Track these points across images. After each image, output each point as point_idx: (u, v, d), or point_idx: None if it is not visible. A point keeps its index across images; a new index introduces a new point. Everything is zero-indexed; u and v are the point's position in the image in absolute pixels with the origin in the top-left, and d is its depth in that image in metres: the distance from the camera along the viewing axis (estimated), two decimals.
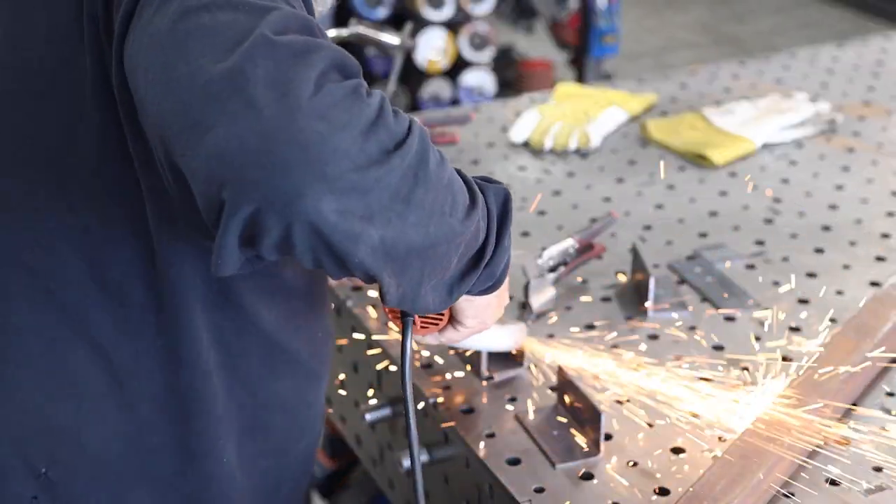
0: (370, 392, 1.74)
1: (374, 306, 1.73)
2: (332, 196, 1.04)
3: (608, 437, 1.48)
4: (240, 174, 1.03)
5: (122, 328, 1.28)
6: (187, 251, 1.26)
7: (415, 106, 4.31)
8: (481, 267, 1.22)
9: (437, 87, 4.32)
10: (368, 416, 1.65)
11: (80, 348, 1.29)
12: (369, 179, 1.05)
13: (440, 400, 1.55)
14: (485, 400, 1.56)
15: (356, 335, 1.75)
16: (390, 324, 1.62)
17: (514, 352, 1.60)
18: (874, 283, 1.83)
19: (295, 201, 1.03)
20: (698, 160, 2.25)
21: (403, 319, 1.26)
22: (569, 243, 1.78)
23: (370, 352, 1.71)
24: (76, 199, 1.25)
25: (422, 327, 1.37)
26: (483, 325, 1.38)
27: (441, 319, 1.37)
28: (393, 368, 1.67)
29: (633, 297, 1.79)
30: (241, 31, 1.06)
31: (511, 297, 1.75)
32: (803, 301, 1.79)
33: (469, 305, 1.34)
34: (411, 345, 1.27)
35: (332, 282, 1.71)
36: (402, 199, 1.08)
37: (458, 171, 1.19)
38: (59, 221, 1.26)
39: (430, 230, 1.11)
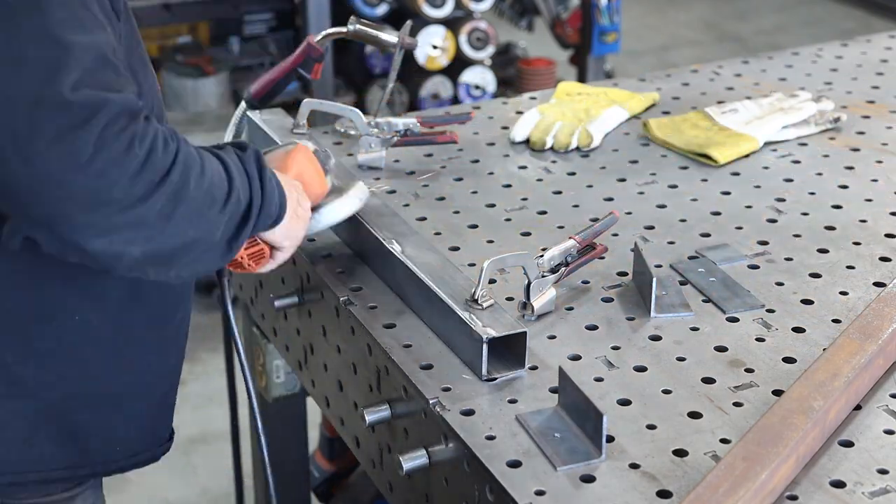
0: (369, 393, 1.73)
1: None
2: (98, 237, 1.32)
3: (610, 438, 1.47)
4: (18, 209, 1.32)
5: None
6: None
7: (415, 104, 4.30)
8: (252, 219, 1.48)
9: (436, 86, 4.31)
10: (368, 418, 1.64)
11: None
12: (133, 216, 1.32)
13: (440, 401, 1.54)
14: (485, 401, 1.55)
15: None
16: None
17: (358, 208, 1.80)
18: (878, 284, 1.81)
19: (69, 241, 1.32)
20: (701, 159, 2.24)
21: (217, 275, 1.57)
22: (570, 243, 1.77)
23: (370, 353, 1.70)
24: None
25: (252, 264, 1.61)
26: (297, 239, 1.63)
27: (261, 253, 1.61)
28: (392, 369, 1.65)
29: (635, 298, 1.78)
30: (45, 77, 1.27)
31: (511, 298, 1.75)
32: (807, 301, 1.77)
33: (273, 237, 1.59)
34: (229, 294, 1.66)
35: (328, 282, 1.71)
36: (165, 218, 1.35)
37: (216, 154, 1.46)
38: None
39: (191, 232, 1.39)
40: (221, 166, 1.45)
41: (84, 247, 1.32)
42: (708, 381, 1.59)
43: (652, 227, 2.00)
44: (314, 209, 1.72)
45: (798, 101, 2.40)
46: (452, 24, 4.28)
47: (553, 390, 1.55)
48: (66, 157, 1.26)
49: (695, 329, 1.71)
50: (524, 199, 2.09)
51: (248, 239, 1.52)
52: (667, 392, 1.57)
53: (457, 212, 2.05)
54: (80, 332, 1.54)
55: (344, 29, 2.20)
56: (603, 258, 1.85)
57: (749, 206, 2.07)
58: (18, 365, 1.51)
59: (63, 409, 1.56)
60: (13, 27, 1.28)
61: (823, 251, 1.92)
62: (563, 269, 1.76)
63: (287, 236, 1.61)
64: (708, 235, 1.98)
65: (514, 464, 1.44)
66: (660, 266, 1.86)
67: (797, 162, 2.24)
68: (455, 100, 4.32)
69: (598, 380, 1.59)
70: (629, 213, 2.03)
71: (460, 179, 2.17)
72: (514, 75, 4.57)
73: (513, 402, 1.55)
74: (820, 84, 2.60)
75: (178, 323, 1.68)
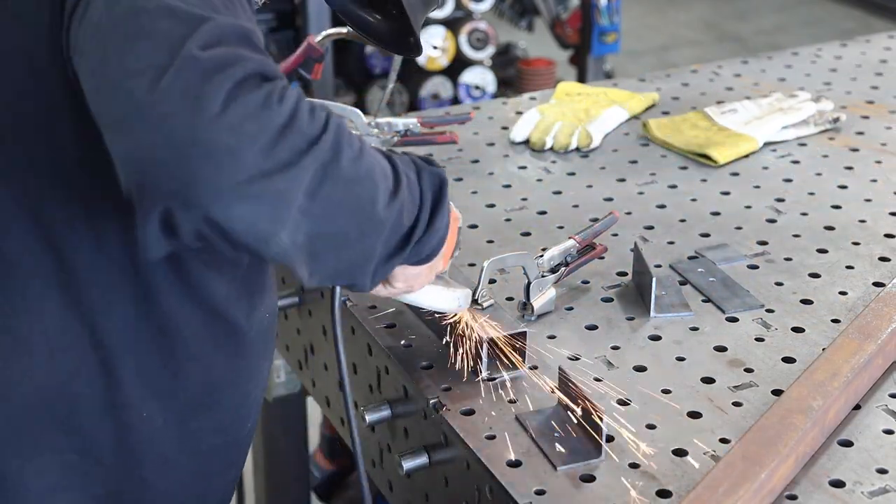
0: (369, 393, 1.73)
1: None
2: (239, 204, 1.14)
3: (609, 438, 1.47)
4: (153, 180, 1.15)
5: (58, 281, 1.33)
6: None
7: (414, 105, 4.30)
8: (409, 248, 1.32)
9: (436, 86, 4.31)
10: (368, 418, 1.64)
11: (17, 297, 1.33)
12: (279, 184, 1.15)
13: (440, 401, 1.54)
14: (485, 401, 1.55)
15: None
16: None
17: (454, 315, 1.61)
18: (878, 284, 1.82)
19: (204, 208, 1.14)
20: (700, 159, 2.24)
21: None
22: (570, 243, 1.77)
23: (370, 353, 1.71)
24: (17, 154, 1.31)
25: None
26: (410, 288, 1.46)
27: None
28: (392, 369, 1.65)
29: (634, 298, 1.78)
30: (173, 42, 1.15)
31: (511, 298, 1.75)
32: (806, 301, 1.78)
33: (400, 272, 1.41)
34: (340, 306, 1.43)
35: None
36: (312, 197, 1.18)
37: (389, 156, 1.31)
38: None
39: (342, 222, 1.22)
40: (390, 162, 1.30)
41: (228, 216, 1.14)
42: (708, 381, 1.59)
43: (652, 227, 2.00)
44: None
45: (797, 102, 2.40)
46: (452, 24, 4.28)
47: (553, 390, 1.55)
48: (195, 112, 1.12)
49: (694, 329, 1.71)
50: (524, 199, 2.09)
51: None
52: (667, 392, 1.57)
53: None
54: (143, 431, 1.40)
55: (344, 29, 2.20)
56: (603, 258, 1.85)
57: (749, 206, 2.07)
58: (75, 456, 1.38)
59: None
60: (145, 5, 1.18)
61: (823, 251, 1.92)
62: (563, 269, 1.76)
63: (407, 281, 1.44)
64: (708, 235, 1.98)
65: (514, 464, 1.44)
66: (659, 266, 1.86)
67: (797, 162, 2.24)
68: (455, 100, 4.32)
69: (598, 380, 1.59)
70: (629, 213, 2.03)
71: (460, 179, 2.17)
72: (514, 75, 4.56)
73: (513, 402, 1.55)
74: (819, 84, 2.60)
75: (247, 434, 1.52)
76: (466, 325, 1.59)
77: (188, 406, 1.42)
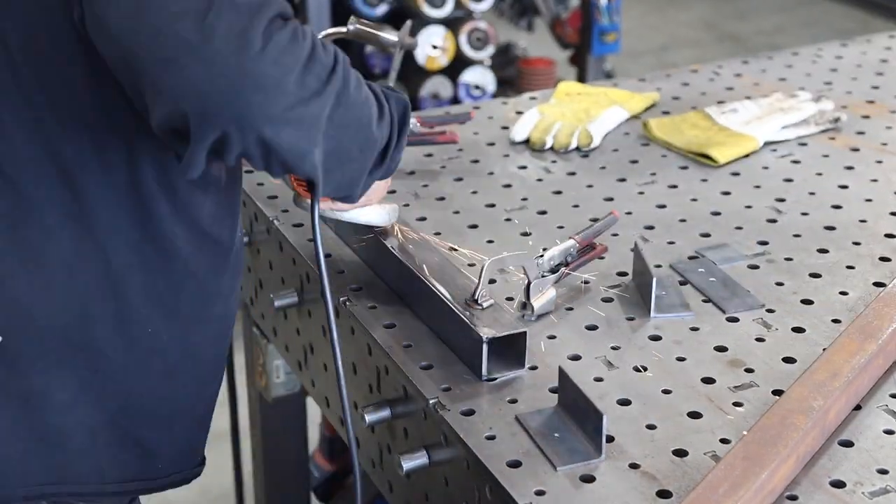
0: (369, 393, 1.73)
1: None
2: (285, 126, 1.31)
3: (610, 439, 1.47)
4: (214, 109, 1.29)
5: (71, 211, 1.44)
6: (136, 143, 1.44)
7: (415, 104, 4.30)
8: (385, 162, 1.51)
9: (436, 86, 4.31)
10: (368, 418, 1.64)
11: (34, 229, 1.44)
12: (313, 109, 1.33)
13: (440, 401, 1.54)
14: (485, 401, 1.55)
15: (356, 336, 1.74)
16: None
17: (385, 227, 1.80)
18: (878, 284, 1.81)
19: (258, 130, 1.30)
20: (701, 159, 2.24)
21: (312, 190, 1.47)
22: (570, 243, 1.77)
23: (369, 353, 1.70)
24: (33, 93, 1.41)
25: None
26: (368, 200, 1.66)
27: None
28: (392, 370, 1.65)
29: (635, 298, 1.78)
30: None
31: (511, 298, 1.75)
32: (807, 301, 1.77)
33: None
34: (318, 212, 1.51)
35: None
36: (330, 119, 1.36)
37: (369, 84, 1.47)
38: (14, 112, 1.41)
39: (348, 141, 1.41)
40: (374, 95, 1.47)
41: (277, 138, 1.31)
42: (708, 381, 1.59)
43: (652, 227, 2.00)
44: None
45: (798, 101, 2.40)
46: (452, 24, 4.28)
47: (553, 390, 1.55)
48: (243, 49, 1.27)
49: (695, 329, 1.71)
50: (524, 199, 2.09)
51: None
52: (667, 392, 1.57)
53: (457, 212, 2.05)
54: (150, 345, 1.53)
55: (344, 29, 2.19)
56: (603, 258, 1.85)
57: (749, 206, 2.07)
58: (88, 372, 1.50)
59: (123, 422, 1.55)
60: None
61: (823, 251, 1.92)
62: (563, 269, 1.76)
63: (368, 194, 1.58)
64: (708, 235, 1.97)
65: (514, 464, 1.44)
66: (660, 266, 1.86)
67: (797, 162, 2.24)
68: (455, 100, 4.32)
69: (598, 380, 1.59)
70: (629, 213, 2.03)
71: (460, 179, 2.17)
72: (514, 75, 4.56)
73: (513, 402, 1.55)
74: (820, 84, 2.60)
75: (228, 344, 1.67)
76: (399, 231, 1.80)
77: (188, 320, 1.55)
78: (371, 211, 1.73)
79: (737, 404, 1.54)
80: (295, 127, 1.32)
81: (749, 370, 1.61)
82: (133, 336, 1.51)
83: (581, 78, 4.40)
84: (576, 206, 2.08)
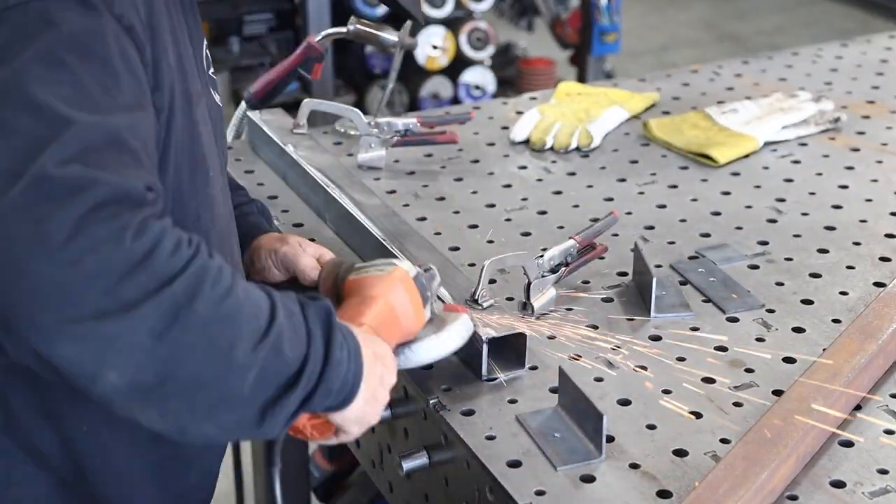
0: None
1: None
2: (62, 343, 1.08)
3: (610, 438, 1.47)
4: None
5: None
6: None
7: (414, 105, 4.30)
8: (299, 388, 1.20)
9: (436, 86, 4.31)
10: None
11: None
12: (115, 326, 1.09)
13: (440, 401, 1.54)
14: (485, 401, 1.55)
15: None
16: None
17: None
18: (878, 284, 1.81)
19: (31, 336, 1.09)
20: (701, 159, 2.24)
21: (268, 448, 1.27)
22: (570, 243, 1.77)
23: None
24: None
25: (315, 434, 1.35)
26: (368, 423, 1.34)
27: (326, 426, 1.34)
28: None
29: (635, 298, 1.78)
30: (29, 148, 1.09)
31: (511, 298, 1.75)
32: (807, 302, 1.77)
33: (341, 419, 1.31)
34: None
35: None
36: (159, 338, 1.10)
37: (270, 294, 1.21)
38: None
39: (192, 366, 1.13)
40: (268, 302, 1.20)
41: (49, 352, 1.10)
42: (708, 381, 1.59)
43: (652, 227, 2.00)
44: (405, 344, 1.46)
45: (798, 101, 2.40)
46: (452, 24, 4.28)
47: (553, 390, 1.55)
48: (36, 237, 1.07)
49: (695, 329, 1.71)
50: (524, 199, 2.09)
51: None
52: (667, 392, 1.57)
53: (457, 212, 2.05)
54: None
55: (344, 29, 2.20)
56: (603, 258, 1.85)
57: (749, 206, 2.07)
58: (38, 431, 1.35)
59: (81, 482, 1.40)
60: (9, 93, 1.12)
61: (823, 251, 1.92)
62: (563, 269, 1.75)
63: (358, 421, 1.32)
64: (708, 235, 1.97)
65: (514, 464, 1.44)
66: (660, 266, 1.86)
67: (797, 162, 2.24)
68: (455, 100, 4.32)
69: (598, 380, 1.59)
70: (629, 213, 2.03)
71: (460, 179, 2.17)
72: (514, 75, 4.57)
73: (513, 402, 1.55)
74: (820, 84, 2.59)
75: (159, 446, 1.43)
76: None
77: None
78: (434, 346, 1.48)
79: (737, 404, 1.54)
80: (77, 343, 1.09)
81: (749, 370, 1.61)
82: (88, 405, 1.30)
83: (581, 78, 4.40)
84: (576, 206, 2.07)
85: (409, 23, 2.20)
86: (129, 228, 1.09)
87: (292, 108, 2.26)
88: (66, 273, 1.07)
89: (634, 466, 1.43)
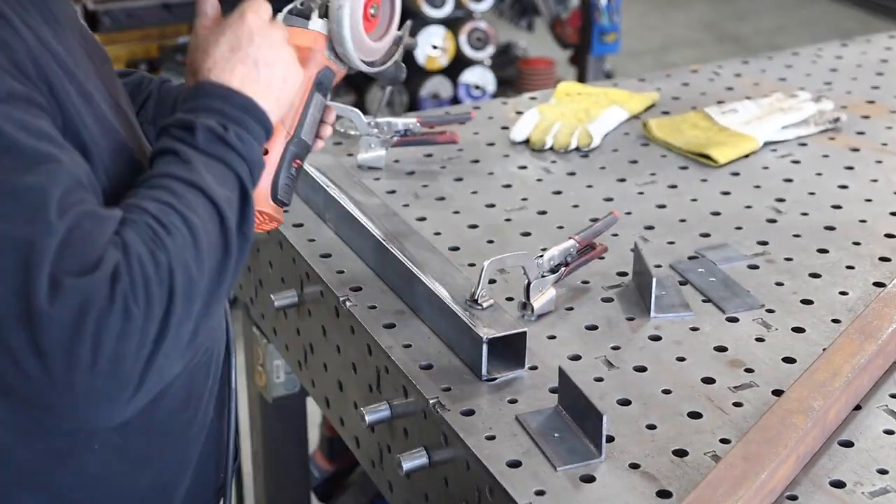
0: (369, 393, 1.73)
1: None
2: (136, 392, 1.19)
3: (610, 439, 1.47)
4: (60, 414, 1.19)
5: None
6: None
7: (414, 105, 4.30)
8: (250, 189, 1.33)
9: (436, 86, 4.31)
10: (368, 418, 1.64)
11: None
12: (158, 350, 1.19)
13: (440, 401, 1.54)
14: (485, 401, 1.55)
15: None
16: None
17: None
18: (878, 284, 1.81)
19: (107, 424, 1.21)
20: (701, 159, 2.24)
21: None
22: (570, 243, 1.77)
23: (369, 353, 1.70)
24: None
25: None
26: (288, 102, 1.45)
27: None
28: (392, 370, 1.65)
29: (635, 298, 1.78)
30: (19, 280, 1.13)
31: (511, 298, 1.75)
32: (807, 302, 1.77)
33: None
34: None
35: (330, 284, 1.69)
36: (187, 317, 1.21)
37: (213, 198, 1.26)
38: None
39: (211, 283, 1.25)
40: (212, 209, 1.27)
41: (128, 414, 1.20)
42: (708, 381, 1.59)
43: (652, 227, 2.00)
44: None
45: (798, 101, 2.40)
46: (452, 24, 4.28)
47: (553, 390, 1.55)
48: (70, 369, 1.14)
49: (695, 329, 1.71)
50: (524, 199, 2.09)
51: None
52: (667, 392, 1.57)
53: (457, 212, 2.05)
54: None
55: None
56: (603, 258, 1.85)
57: (749, 206, 2.07)
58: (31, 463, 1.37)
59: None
60: None
61: (823, 251, 1.92)
62: (563, 269, 1.75)
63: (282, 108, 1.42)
64: (708, 235, 1.97)
65: (514, 464, 1.44)
66: (660, 266, 1.86)
67: (797, 162, 2.24)
68: (455, 100, 4.32)
69: (598, 380, 1.59)
70: (629, 213, 2.03)
71: (460, 179, 2.17)
72: (514, 75, 4.57)
73: (513, 402, 1.55)
74: (820, 84, 2.60)
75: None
76: None
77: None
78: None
79: (737, 404, 1.54)
80: (145, 380, 1.19)
81: (749, 370, 1.61)
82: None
83: (581, 78, 4.40)
84: (576, 206, 2.08)
85: (409, 22, 2.20)
86: (128, 298, 1.16)
87: None
88: (105, 384, 1.16)
89: (634, 466, 1.43)
